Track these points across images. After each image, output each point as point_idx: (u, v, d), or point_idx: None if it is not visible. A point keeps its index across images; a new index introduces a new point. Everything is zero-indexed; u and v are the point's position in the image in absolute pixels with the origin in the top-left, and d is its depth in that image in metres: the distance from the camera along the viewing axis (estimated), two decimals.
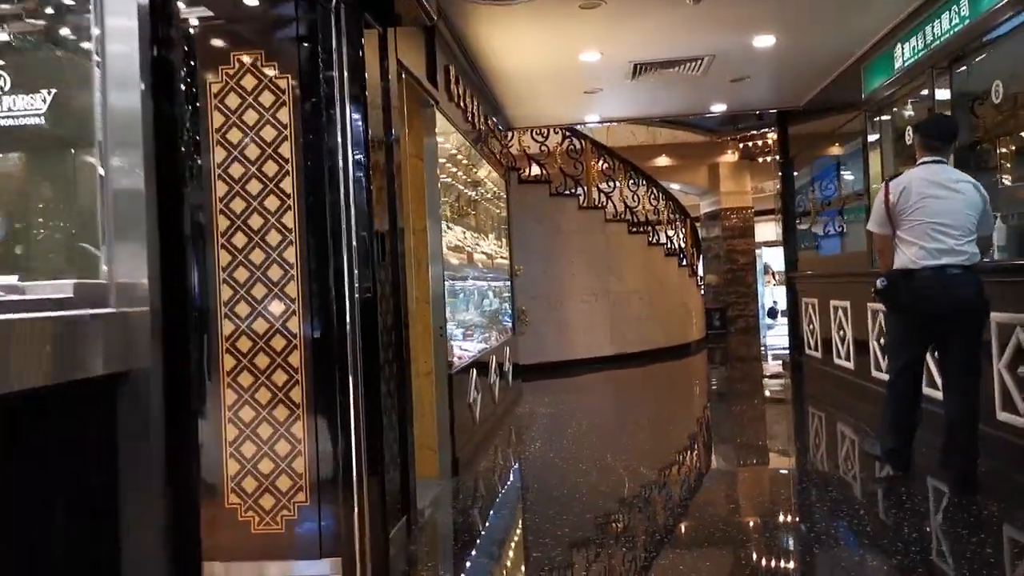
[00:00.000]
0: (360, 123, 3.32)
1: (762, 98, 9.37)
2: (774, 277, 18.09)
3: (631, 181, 12.28)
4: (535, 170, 11.23)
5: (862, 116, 7.50)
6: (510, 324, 9.04)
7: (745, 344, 14.46)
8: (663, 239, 12.94)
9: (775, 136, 10.76)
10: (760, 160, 14.88)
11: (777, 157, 10.62)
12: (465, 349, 6.63)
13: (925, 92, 6.15)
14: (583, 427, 7.12)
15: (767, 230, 20.39)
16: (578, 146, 11.63)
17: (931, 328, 4.37)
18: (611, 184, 11.96)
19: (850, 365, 7.48)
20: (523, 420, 7.60)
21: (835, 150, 9.00)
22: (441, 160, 5.91)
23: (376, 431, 3.40)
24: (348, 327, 3.17)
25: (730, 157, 15.59)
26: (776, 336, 16.53)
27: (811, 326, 8.91)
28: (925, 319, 4.35)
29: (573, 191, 11.53)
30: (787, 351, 10.14)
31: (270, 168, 3.18)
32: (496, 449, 6.46)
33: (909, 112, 7.01)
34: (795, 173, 10.01)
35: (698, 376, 11.50)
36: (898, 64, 6.47)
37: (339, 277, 3.17)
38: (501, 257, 9.08)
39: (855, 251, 7.90)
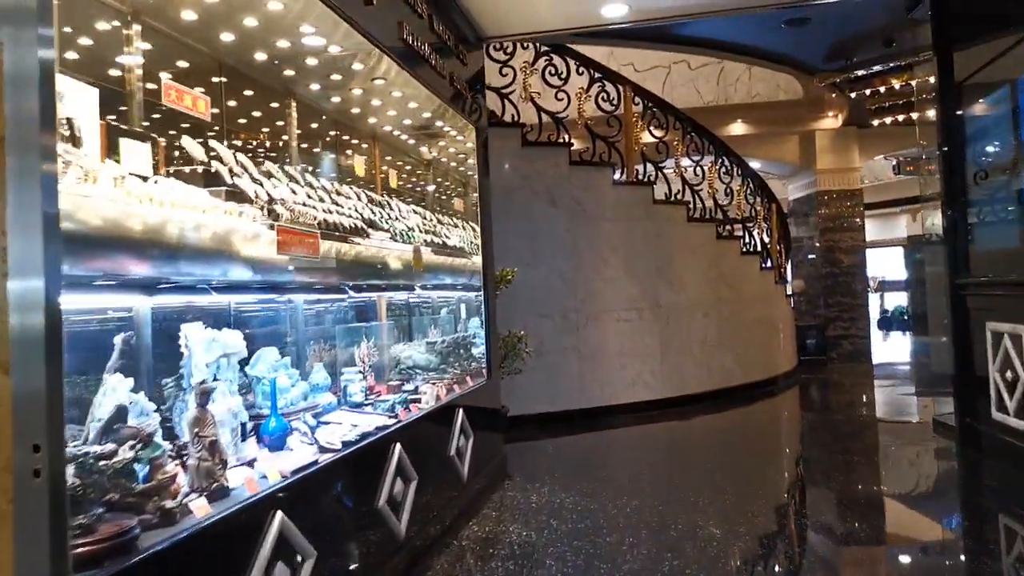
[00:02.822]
0: None
1: None
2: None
3: (692, 146, 8.56)
4: (547, 122, 7.64)
5: None
6: (484, 363, 5.49)
7: (854, 378, 10.50)
8: (739, 231, 9.18)
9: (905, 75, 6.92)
10: (877, 123, 10.90)
11: (931, 92, 6.77)
12: (328, 443, 3.17)
13: None
14: None
15: (873, 228, 16.28)
16: (613, 93, 8.00)
17: None
18: (662, 150, 8.27)
19: None
20: (463, 566, 4.03)
21: None
22: None
23: None
24: None
25: (831, 122, 11.63)
26: (889, 355, 12.50)
27: (1007, 372, 5.08)
28: None
29: (605, 159, 7.91)
30: (936, 395, 6.28)
31: None
32: None
33: None
34: (965, 113, 6.14)
35: (790, 441, 7.67)
36: None
37: None
38: (461, 254, 5.56)
39: None
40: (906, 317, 19.72)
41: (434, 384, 4.74)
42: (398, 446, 3.53)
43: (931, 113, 6.47)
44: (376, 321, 5.12)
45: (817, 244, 11.98)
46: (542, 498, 4.81)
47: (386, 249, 4.40)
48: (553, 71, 7.67)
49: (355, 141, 5.27)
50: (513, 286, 6.65)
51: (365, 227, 4.11)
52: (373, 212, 4.58)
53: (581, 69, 7.88)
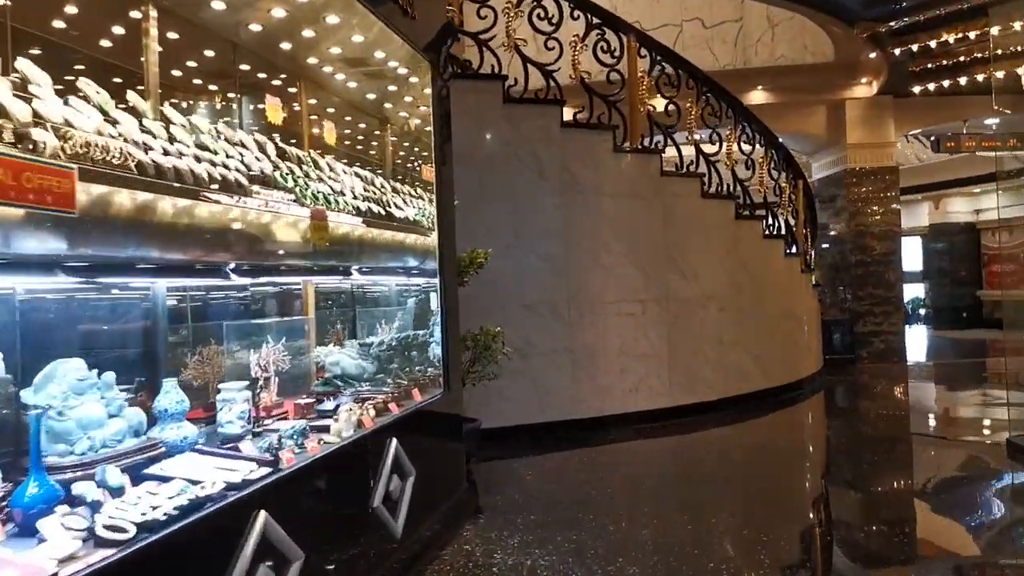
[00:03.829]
0: None
1: None
2: None
3: (708, 110, 7.25)
4: (535, 79, 6.34)
5: None
6: (439, 370, 4.20)
7: (890, 382, 9.21)
8: (760, 211, 7.88)
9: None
10: (919, 90, 9.54)
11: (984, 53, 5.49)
12: (115, 527, 1.91)
13: None
14: None
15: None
16: (615, 43, 6.69)
17: None
18: (672, 113, 6.97)
19: None
20: None
21: None
22: None
23: None
24: None
25: (864, 89, 10.27)
26: (918, 352, 11.18)
27: None
28: None
29: (605, 122, 6.61)
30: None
31: None
32: None
33: None
34: None
35: (828, 467, 6.41)
36: None
37: None
38: (418, 231, 4.31)
39: None
40: (922, 311, 18.40)
41: (363, 403, 3.49)
42: (263, 515, 2.27)
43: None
44: (289, 316, 3.87)
45: (846, 229, 10.64)
46: (508, 556, 3.55)
47: (286, 215, 3.13)
48: (543, 14, 6.38)
49: (267, 78, 4.01)
50: (490, 273, 5.39)
51: (244, 182, 2.84)
52: (281, 167, 3.32)
53: (576, 13, 6.57)
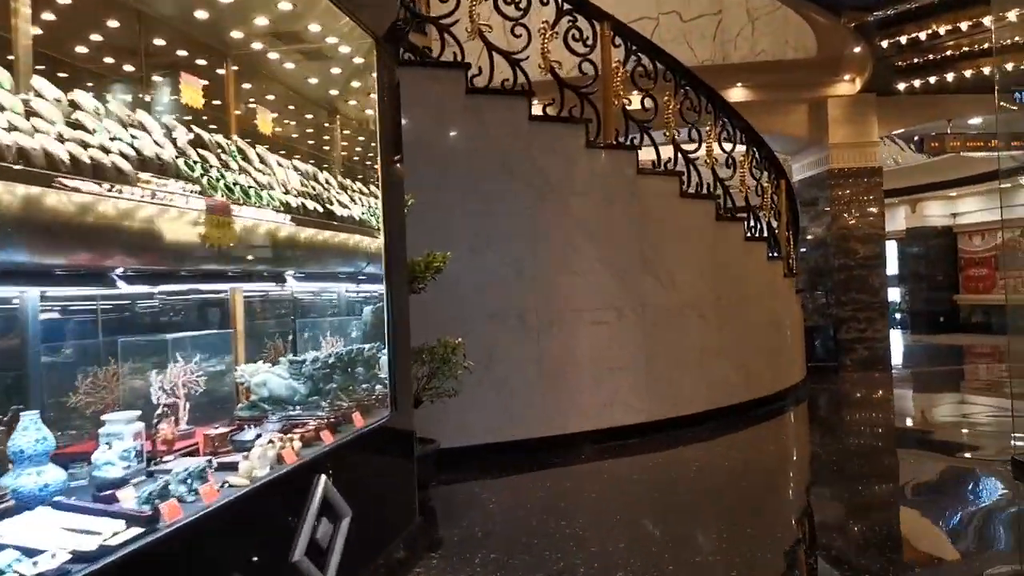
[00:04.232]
0: None
1: None
2: None
3: (687, 104, 6.82)
4: (501, 69, 5.86)
5: None
6: (386, 387, 3.68)
7: (876, 390, 8.84)
8: (742, 212, 7.46)
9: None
10: (904, 87, 9.19)
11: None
12: None
13: None
14: None
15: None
16: (587, 31, 6.24)
17: None
18: (649, 108, 6.52)
19: None
20: None
21: None
22: None
23: None
24: None
25: (847, 87, 9.91)
26: (896, 357, 10.81)
27: None
28: None
29: (576, 115, 6.14)
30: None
31: None
32: None
33: None
34: None
35: (820, 485, 6.00)
36: None
37: None
38: (366, 231, 3.81)
39: None
40: (898, 315, 18.19)
41: (291, 431, 2.97)
42: None
43: None
44: (208, 328, 3.35)
45: (828, 232, 10.27)
46: None
47: (190, 209, 2.61)
48: None
49: (189, 56, 3.49)
50: (450, 278, 4.90)
51: (126, 168, 2.32)
52: (189, 155, 2.80)
53: None
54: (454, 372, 4.73)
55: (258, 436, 2.91)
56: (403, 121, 5.13)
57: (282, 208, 3.25)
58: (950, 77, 8.53)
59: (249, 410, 3.29)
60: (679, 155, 6.75)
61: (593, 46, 6.23)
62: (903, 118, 10.21)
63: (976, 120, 10.71)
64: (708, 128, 7.11)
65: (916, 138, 10.47)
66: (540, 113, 6.03)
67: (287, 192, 3.42)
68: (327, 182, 4.00)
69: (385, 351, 3.70)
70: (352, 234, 3.76)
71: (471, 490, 4.92)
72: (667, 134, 6.66)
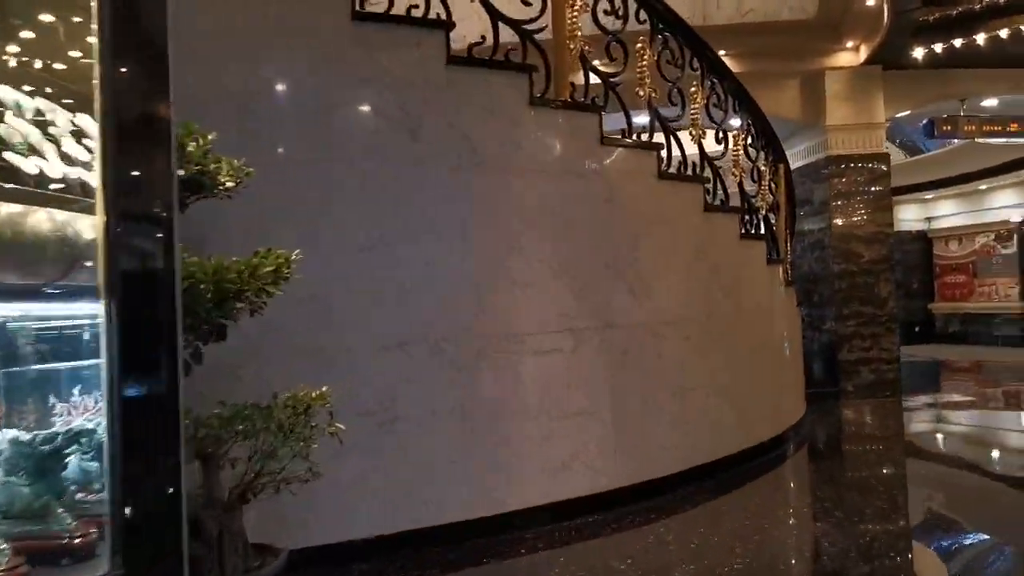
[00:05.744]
0: None
1: None
2: None
3: (666, 51, 5.11)
4: None
5: None
6: (101, 515, 1.84)
7: (893, 427, 7.24)
8: (737, 201, 5.77)
9: None
10: (923, 54, 7.56)
11: None
12: None
13: None
14: None
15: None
16: None
17: None
18: (617, 54, 4.78)
19: None
20: None
21: None
22: None
23: None
24: None
25: (849, 56, 8.27)
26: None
27: None
28: None
29: (519, 65, 4.36)
30: None
31: None
32: None
33: None
34: None
35: None
36: None
37: None
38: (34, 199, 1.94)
39: None
40: None
41: None
42: None
43: None
44: None
45: (827, 230, 8.65)
46: None
47: None
48: None
49: None
50: (317, 293, 3.07)
51: None
52: None
53: None
54: (310, 444, 2.89)
55: None
56: (257, 63, 3.33)
57: None
58: (980, 39, 6.97)
59: None
60: (657, 123, 5.01)
61: None
62: (913, 95, 8.64)
63: (991, 102, 9.26)
64: (693, 89, 5.40)
65: (924, 121, 8.98)
66: (463, 54, 4.23)
67: None
68: None
69: (103, 437, 1.85)
70: (36, 207, 1.92)
71: None
72: (640, 93, 4.92)
